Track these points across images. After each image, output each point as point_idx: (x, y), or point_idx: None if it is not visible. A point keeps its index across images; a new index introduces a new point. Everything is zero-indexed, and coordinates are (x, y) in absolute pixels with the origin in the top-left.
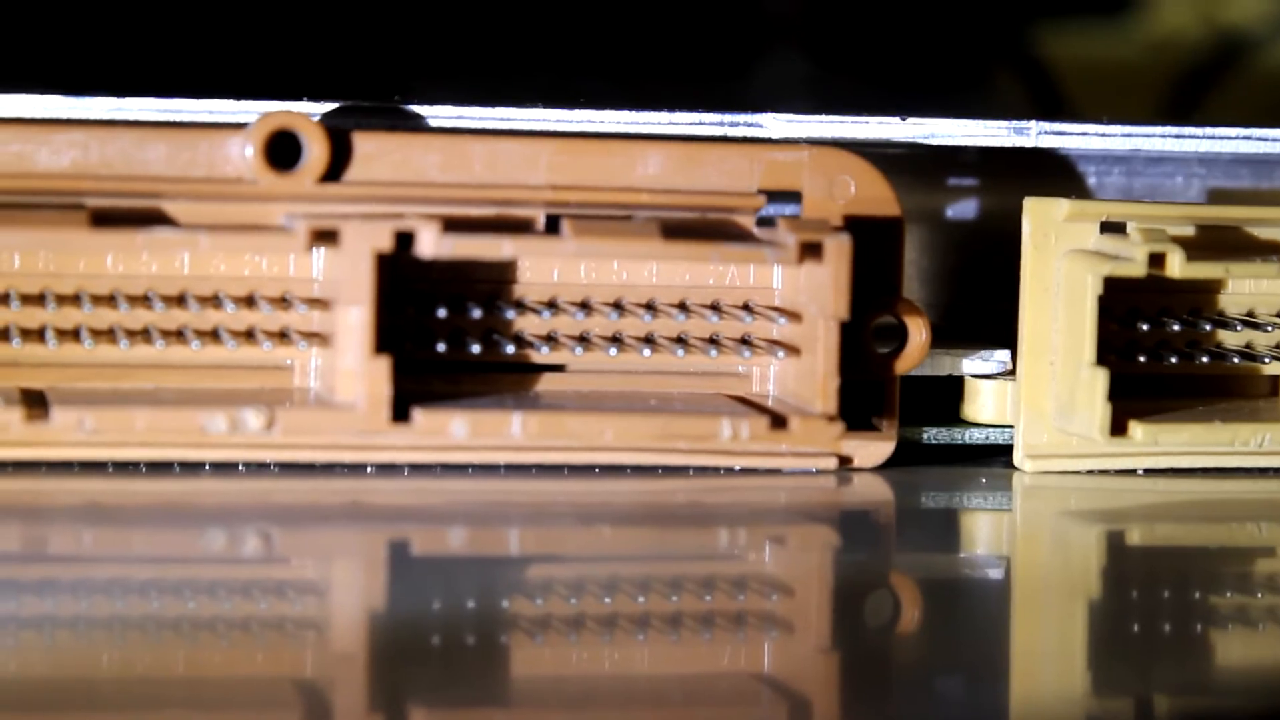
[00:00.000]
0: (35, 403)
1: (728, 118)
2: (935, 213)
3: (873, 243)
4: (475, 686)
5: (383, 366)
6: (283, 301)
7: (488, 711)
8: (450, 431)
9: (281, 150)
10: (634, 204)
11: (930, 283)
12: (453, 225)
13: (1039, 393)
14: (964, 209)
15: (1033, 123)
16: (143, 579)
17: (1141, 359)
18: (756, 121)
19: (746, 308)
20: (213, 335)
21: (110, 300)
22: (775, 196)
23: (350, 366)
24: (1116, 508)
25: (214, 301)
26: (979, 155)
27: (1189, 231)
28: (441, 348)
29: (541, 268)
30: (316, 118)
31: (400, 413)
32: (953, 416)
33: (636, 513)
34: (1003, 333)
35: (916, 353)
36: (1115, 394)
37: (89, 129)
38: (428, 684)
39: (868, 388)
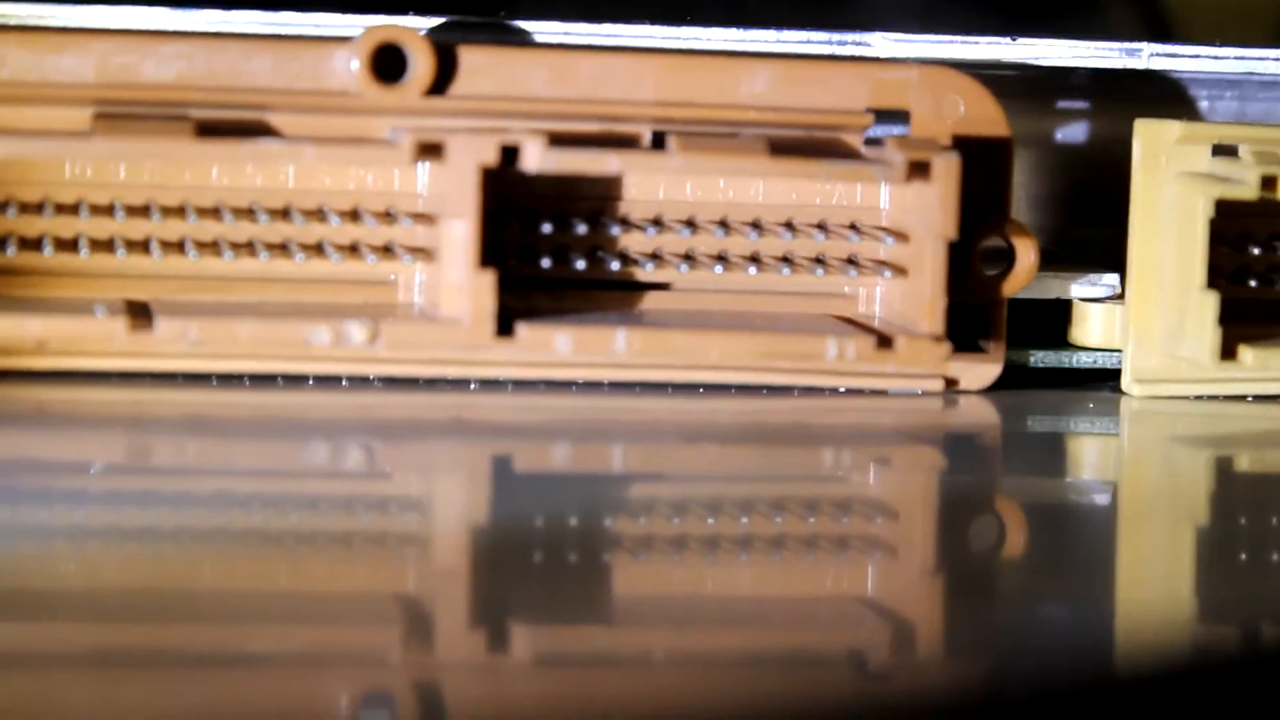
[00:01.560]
0: (140, 313)
1: (835, 36)
2: (1045, 136)
3: (981, 163)
4: (577, 604)
5: (487, 281)
6: (387, 215)
7: (589, 629)
8: (554, 347)
9: (387, 64)
10: (741, 121)
11: (1039, 206)
12: (558, 140)
13: (1148, 317)
14: (1074, 132)
15: (1144, 44)
16: (245, 492)
17: (1252, 283)
18: (865, 40)
19: (853, 227)
20: (317, 249)
21: (215, 212)
22: (883, 116)
23: (455, 281)
24: (1225, 433)
25: (318, 215)
26: (1089, 77)
27: None
28: (546, 264)
29: (647, 185)
30: (422, 32)
31: (504, 328)
32: (1060, 340)
33: (740, 432)
34: (1112, 257)
35: (1024, 274)
36: (1225, 319)
37: (195, 40)
38: (529, 600)
39: (974, 310)
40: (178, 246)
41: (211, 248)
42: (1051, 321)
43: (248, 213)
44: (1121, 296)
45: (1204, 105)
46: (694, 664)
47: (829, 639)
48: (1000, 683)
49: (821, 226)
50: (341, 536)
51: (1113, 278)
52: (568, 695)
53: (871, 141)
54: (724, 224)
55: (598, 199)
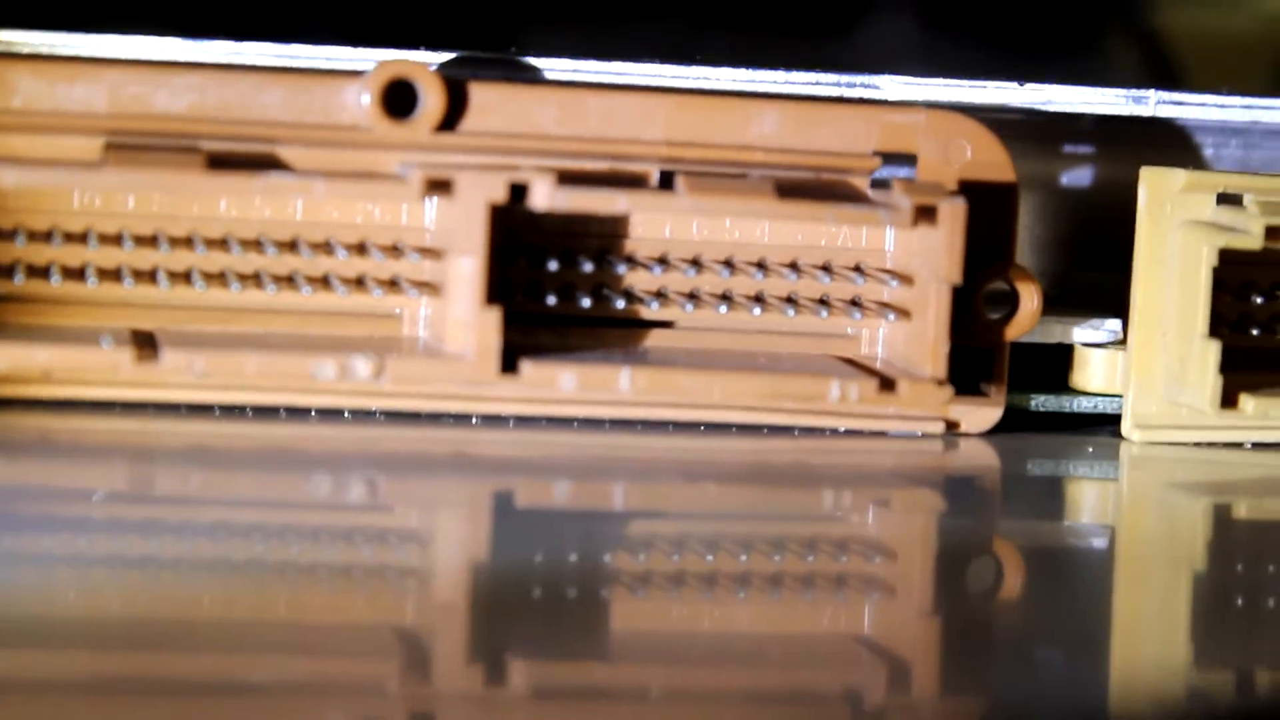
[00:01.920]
0: (145, 343)
1: (844, 78)
2: (1050, 180)
3: (986, 208)
4: (575, 640)
5: (493, 317)
6: (394, 250)
7: (587, 665)
8: (559, 384)
9: (398, 99)
10: (749, 162)
11: (1043, 251)
12: (567, 178)
13: (1149, 363)
14: (1079, 177)
15: (1151, 91)
16: (247, 522)
17: (1255, 332)
18: (873, 83)
19: (858, 269)
20: (323, 282)
21: (223, 244)
22: (890, 159)
23: (460, 316)
24: (1224, 480)
25: (326, 248)
26: (1096, 123)
27: None
28: (552, 300)
29: (654, 223)
30: (433, 67)
31: (509, 364)
32: (1061, 384)
33: (741, 471)
34: (1115, 302)
35: (1027, 319)
36: (1226, 367)
37: (207, 72)
38: (528, 636)
39: (977, 353)
40: (185, 277)
41: (218, 279)
42: (1053, 366)
43: (255, 244)
44: (1123, 342)
45: (1209, 152)
46: (691, 700)
47: (826, 678)
48: None
49: (826, 268)
50: (342, 569)
51: (1115, 323)
52: None
53: (878, 183)
54: (729, 264)
55: (604, 237)
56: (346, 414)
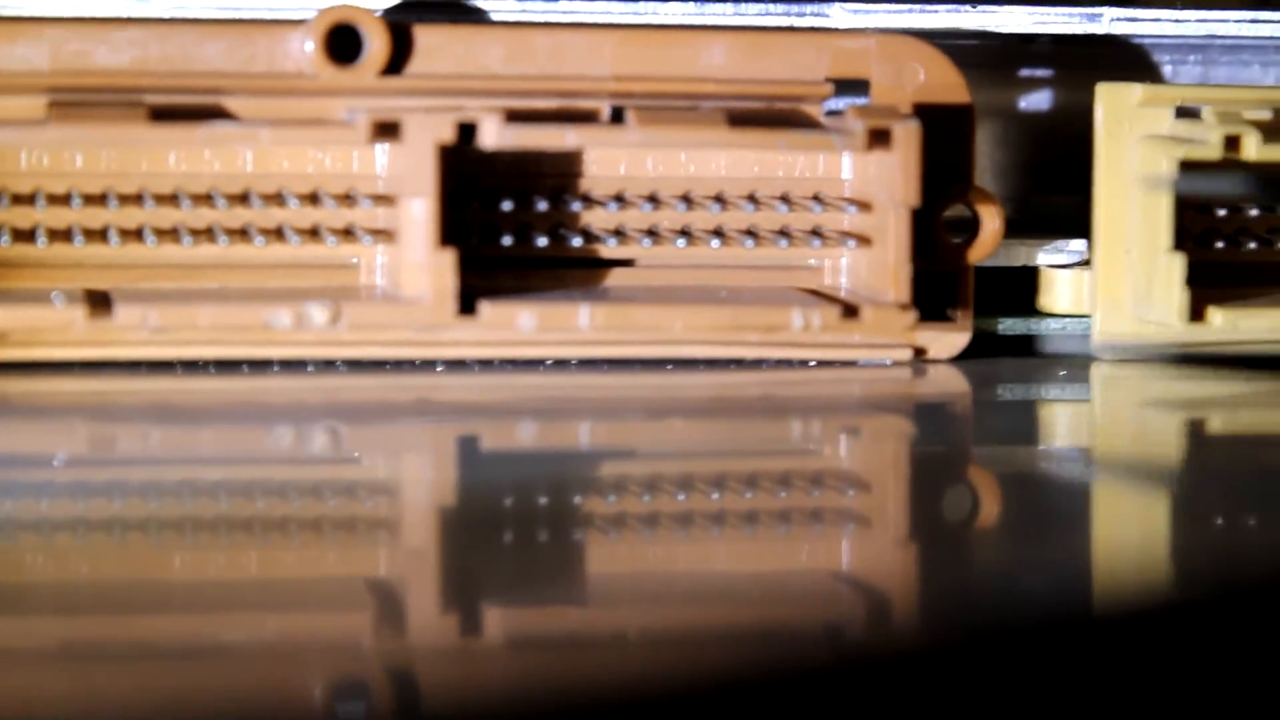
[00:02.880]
0: (99, 301)
1: (794, 8)
2: (1007, 104)
3: (943, 131)
4: (549, 583)
5: (448, 259)
6: (347, 198)
7: (561, 609)
8: (518, 324)
9: (342, 44)
10: (700, 94)
11: (1004, 176)
12: (515, 116)
13: (1116, 281)
14: (1036, 100)
15: (1105, 9)
16: (212, 480)
17: (1219, 245)
18: (823, 11)
19: (816, 198)
20: (277, 233)
21: (173, 199)
22: (843, 86)
23: (415, 259)
24: (1197, 397)
25: (278, 199)
26: (1050, 43)
27: (1266, 116)
28: (508, 241)
29: (607, 160)
30: (377, 12)
31: (467, 307)
32: (1029, 308)
33: (709, 407)
34: (1078, 224)
35: (990, 240)
36: (1193, 281)
37: (148, 26)
38: (500, 582)
39: (942, 279)
40: (136, 234)
41: (171, 235)
42: (1019, 289)
43: (206, 198)
44: (1088, 262)
45: (1167, 70)
46: (669, 642)
47: (805, 614)
48: (976, 651)
49: (784, 199)
50: (310, 522)
51: (1079, 244)
52: (542, 676)
53: (833, 114)
54: (686, 198)
55: (559, 176)
56: (309, 367)
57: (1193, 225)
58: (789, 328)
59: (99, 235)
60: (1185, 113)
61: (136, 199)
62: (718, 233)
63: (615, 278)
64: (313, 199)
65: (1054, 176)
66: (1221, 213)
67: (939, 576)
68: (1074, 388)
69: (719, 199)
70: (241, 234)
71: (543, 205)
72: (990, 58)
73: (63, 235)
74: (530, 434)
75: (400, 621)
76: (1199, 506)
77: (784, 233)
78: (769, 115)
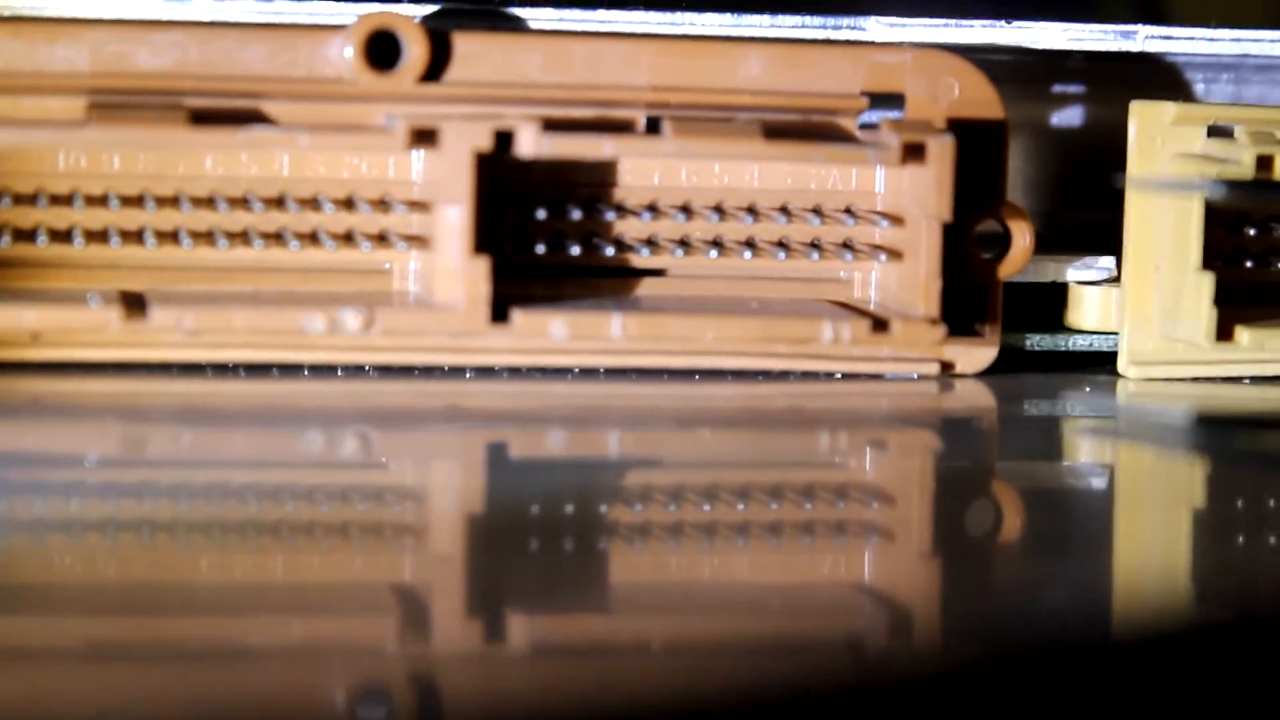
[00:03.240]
0: (134, 303)
1: (830, 20)
2: (1040, 119)
3: (976, 146)
4: (574, 592)
5: (482, 266)
6: (382, 204)
7: (586, 617)
8: (549, 332)
9: (381, 51)
10: (736, 105)
11: (1035, 191)
12: (553, 125)
13: (1144, 299)
14: (1069, 115)
15: (1140, 27)
16: (241, 483)
17: (1249, 264)
18: (859, 25)
19: (849, 211)
20: (311, 238)
21: (209, 202)
22: (878, 100)
23: (449, 266)
24: (1223, 414)
25: (313, 204)
26: (1084, 60)
27: None
28: (541, 250)
29: (642, 170)
30: (417, 19)
31: (499, 314)
32: (1056, 324)
33: (737, 417)
34: (1108, 240)
35: (1020, 256)
36: (1221, 301)
37: (189, 29)
38: (526, 589)
39: (971, 294)
40: (172, 236)
41: (206, 237)
42: (1048, 305)
43: (242, 202)
44: (1117, 279)
45: (1199, 88)
46: (691, 651)
47: (827, 626)
48: (998, 666)
49: (817, 211)
50: (338, 527)
51: (1108, 261)
52: (565, 684)
53: (867, 127)
54: (719, 209)
55: (593, 186)
56: (339, 370)
57: (1222, 245)
58: (819, 340)
59: (135, 237)
60: (1217, 131)
61: (173, 201)
62: (750, 244)
63: (647, 287)
64: (348, 204)
65: (1085, 192)
66: (1251, 232)
67: (962, 591)
68: (1099, 404)
69: (752, 210)
70: (276, 238)
71: (577, 214)
72: (1024, 73)
73: (99, 236)
74: (558, 442)
75: (425, 627)
76: (1222, 525)
77: (815, 245)
78: (804, 128)
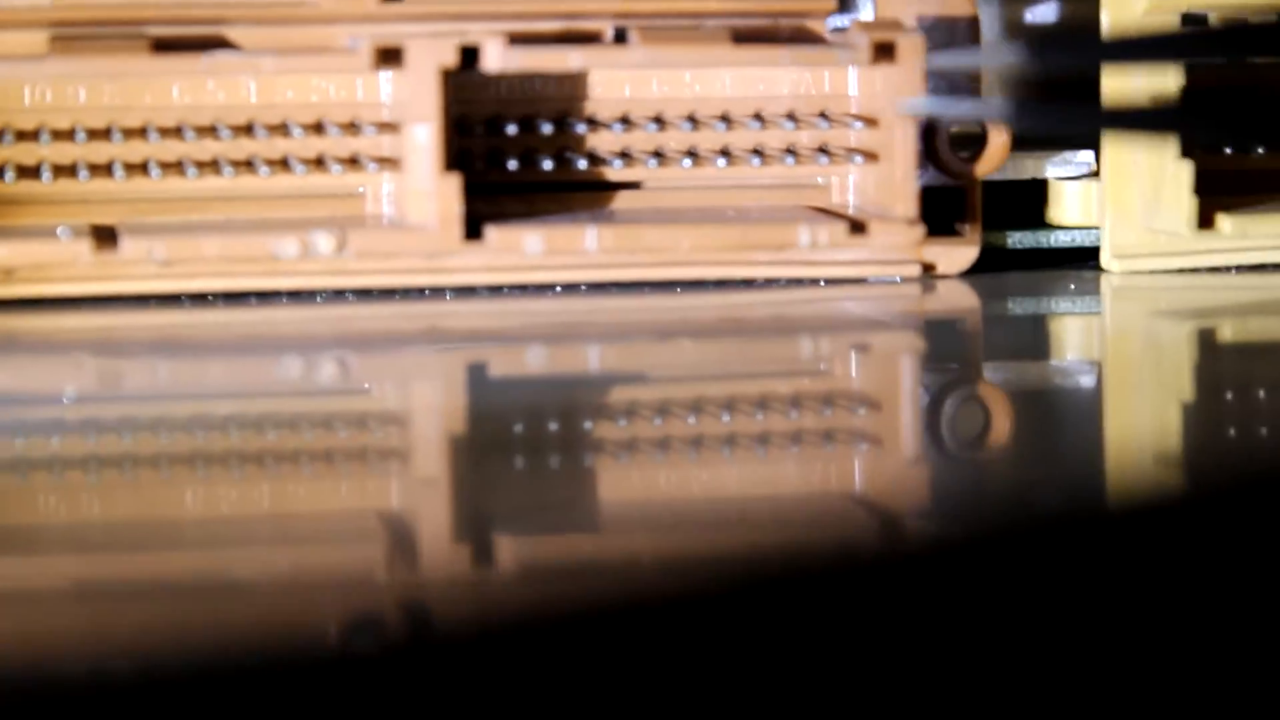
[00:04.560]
0: (104, 235)
1: None
2: (1013, 16)
3: (947, 44)
4: (561, 510)
5: (453, 184)
6: (351, 127)
7: (575, 536)
8: (524, 248)
9: None
10: (703, 12)
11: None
12: (519, 39)
13: (1125, 191)
14: (1043, 11)
15: None
16: (222, 413)
17: (1228, 151)
18: None
19: (823, 115)
20: (282, 163)
21: (177, 132)
22: (847, 2)
23: (420, 186)
24: (1208, 305)
25: (282, 129)
26: None
27: (1271, 21)
28: (513, 166)
29: (612, 82)
30: None
31: (473, 232)
32: (1038, 220)
33: (719, 328)
34: (1086, 135)
35: (997, 154)
36: (1202, 190)
37: None
38: (513, 508)
39: (950, 195)
40: (141, 168)
41: (175, 167)
42: (1028, 202)
43: (211, 130)
44: (1097, 173)
45: None
46: (683, 567)
47: (818, 535)
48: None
49: (791, 116)
50: (322, 454)
51: (1087, 155)
52: (556, 604)
53: (838, 30)
54: (692, 119)
55: (564, 100)
56: (318, 298)
57: None
58: (796, 245)
59: (104, 170)
60: (1191, 20)
61: (141, 133)
62: (724, 152)
63: (622, 200)
64: (317, 128)
65: (1061, 87)
66: None
67: (952, 494)
68: (1084, 300)
69: (725, 118)
70: (247, 165)
71: (547, 129)
72: None
73: (68, 171)
74: (539, 359)
75: (412, 552)
76: (1208, 416)
77: (791, 151)
78: (773, 32)
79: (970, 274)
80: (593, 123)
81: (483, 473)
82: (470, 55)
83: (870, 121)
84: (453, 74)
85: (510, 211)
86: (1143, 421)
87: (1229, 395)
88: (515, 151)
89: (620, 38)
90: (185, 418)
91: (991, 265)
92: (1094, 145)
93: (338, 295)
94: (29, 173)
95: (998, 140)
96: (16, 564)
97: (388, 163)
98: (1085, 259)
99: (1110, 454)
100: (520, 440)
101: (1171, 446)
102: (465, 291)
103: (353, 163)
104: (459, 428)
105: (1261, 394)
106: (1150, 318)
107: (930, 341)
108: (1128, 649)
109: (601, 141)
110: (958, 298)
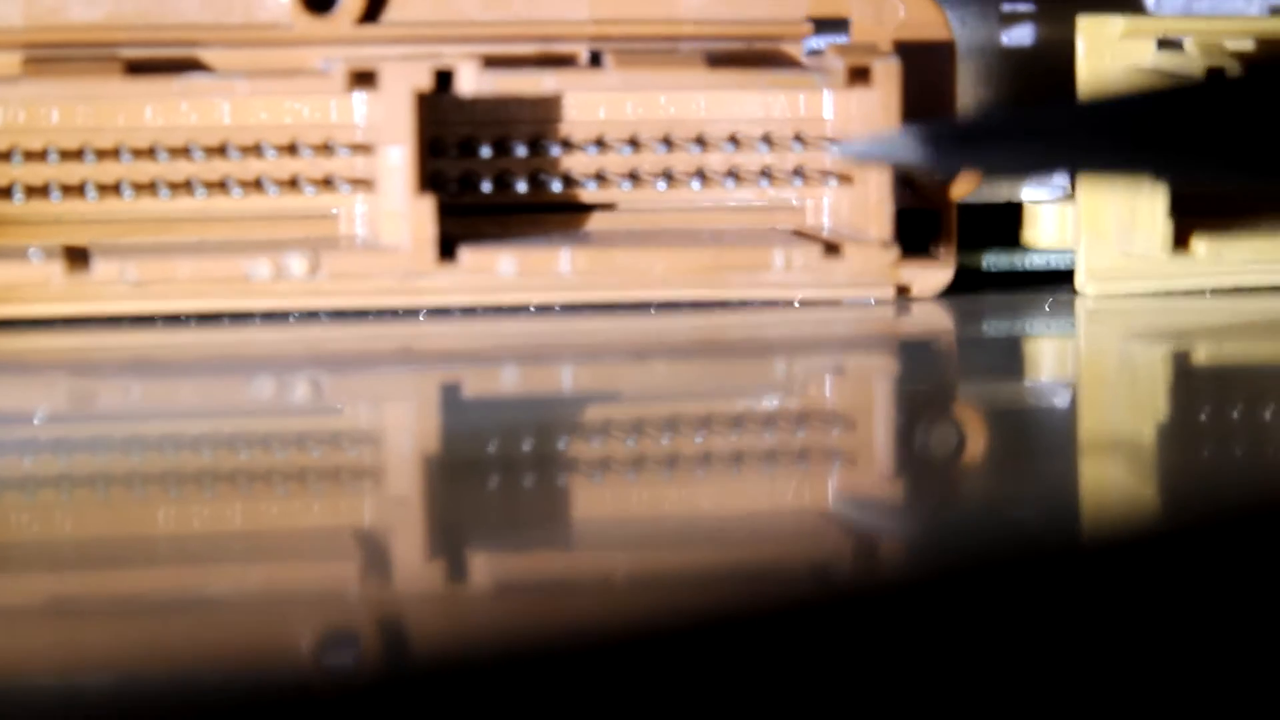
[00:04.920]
0: (76, 257)
1: None
2: (989, 40)
3: (924, 68)
4: (534, 529)
5: (426, 205)
6: (325, 148)
7: (548, 554)
8: (498, 269)
9: None
10: (679, 36)
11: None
12: (493, 62)
13: (1100, 214)
14: (1018, 35)
15: None
16: (195, 433)
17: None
18: None
19: (798, 139)
20: (256, 184)
21: (150, 153)
22: (823, 26)
23: (394, 208)
24: (1183, 328)
25: (256, 151)
26: None
27: (1248, 46)
28: (488, 188)
29: (587, 105)
30: None
31: (447, 253)
32: (1013, 243)
33: (693, 349)
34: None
35: (971, 177)
36: (1177, 212)
37: None
38: (487, 528)
39: (925, 218)
40: (114, 189)
41: (148, 189)
42: (1003, 225)
43: (184, 151)
44: (1072, 196)
45: (1150, 2)
46: (657, 585)
47: (792, 553)
48: (966, 586)
49: (766, 139)
50: (295, 473)
51: (1063, 178)
52: (530, 622)
53: (814, 54)
54: (667, 141)
55: (538, 122)
56: (291, 318)
57: None
58: (771, 268)
59: (76, 191)
60: (1167, 44)
61: (114, 154)
62: (699, 174)
63: (596, 222)
64: (291, 150)
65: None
66: None
67: (926, 515)
68: (1059, 322)
69: (700, 141)
70: (220, 186)
71: (522, 151)
72: None
73: (40, 192)
74: (513, 380)
75: (386, 570)
76: (1185, 437)
77: (766, 173)
78: (748, 55)
79: (945, 296)
80: (567, 145)
81: (456, 491)
82: (445, 78)
83: None
84: (427, 96)
85: (484, 233)
86: (1117, 442)
87: (1203, 417)
88: (489, 173)
89: (595, 61)
90: (158, 437)
91: (966, 287)
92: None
93: (311, 316)
94: (1, 194)
95: None
96: None
97: (361, 184)
98: (1060, 281)
99: (1084, 473)
100: (494, 460)
101: (1145, 467)
102: (439, 312)
103: (326, 184)
104: (432, 447)
105: (1236, 415)
106: (1125, 340)
107: (904, 362)
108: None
109: (576, 163)
110: (932, 319)
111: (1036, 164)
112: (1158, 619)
